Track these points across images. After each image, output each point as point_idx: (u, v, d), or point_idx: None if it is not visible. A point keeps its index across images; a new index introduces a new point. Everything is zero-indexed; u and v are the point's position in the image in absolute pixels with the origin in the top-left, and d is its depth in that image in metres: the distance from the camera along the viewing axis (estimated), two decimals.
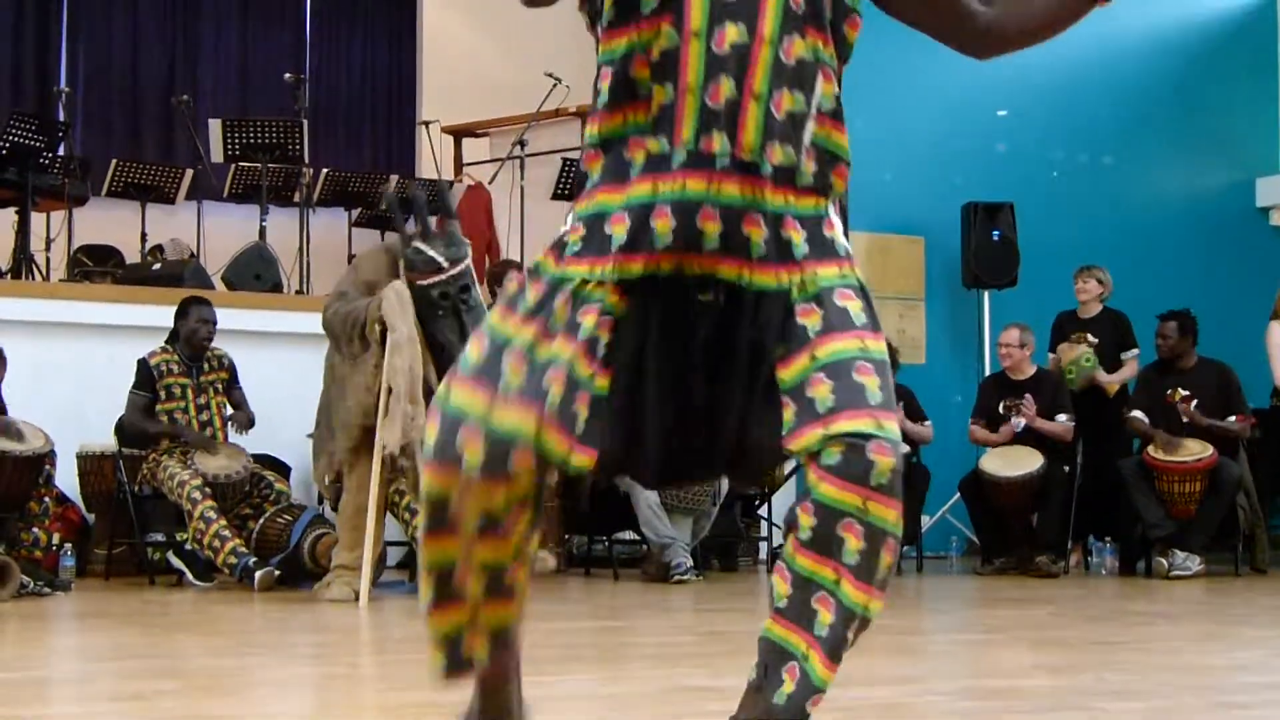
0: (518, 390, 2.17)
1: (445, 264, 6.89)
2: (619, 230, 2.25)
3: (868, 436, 2.15)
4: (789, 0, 2.29)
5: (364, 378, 7.11)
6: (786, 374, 2.24)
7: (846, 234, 2.45)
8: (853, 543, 2.17)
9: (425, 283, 6.87)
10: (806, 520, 2.21)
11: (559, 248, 2.31)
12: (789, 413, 2.22)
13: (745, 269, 2.27)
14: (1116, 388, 10.20)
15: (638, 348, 2.25)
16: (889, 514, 2.16)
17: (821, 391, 2.19)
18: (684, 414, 2.30)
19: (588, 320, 2.22)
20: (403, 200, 7.54)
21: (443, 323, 6.89)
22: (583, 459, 2.21)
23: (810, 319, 2.27)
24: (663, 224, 2.24)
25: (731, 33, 2.27)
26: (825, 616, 2.22)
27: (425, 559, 2.25)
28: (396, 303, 6.92)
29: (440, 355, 6.96)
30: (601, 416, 2.22)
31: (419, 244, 6.94)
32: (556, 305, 2.24)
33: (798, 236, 2.31)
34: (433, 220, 7.16)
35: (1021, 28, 2.51)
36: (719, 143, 2.27)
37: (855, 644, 2.26)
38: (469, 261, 7.11)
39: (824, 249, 2.36)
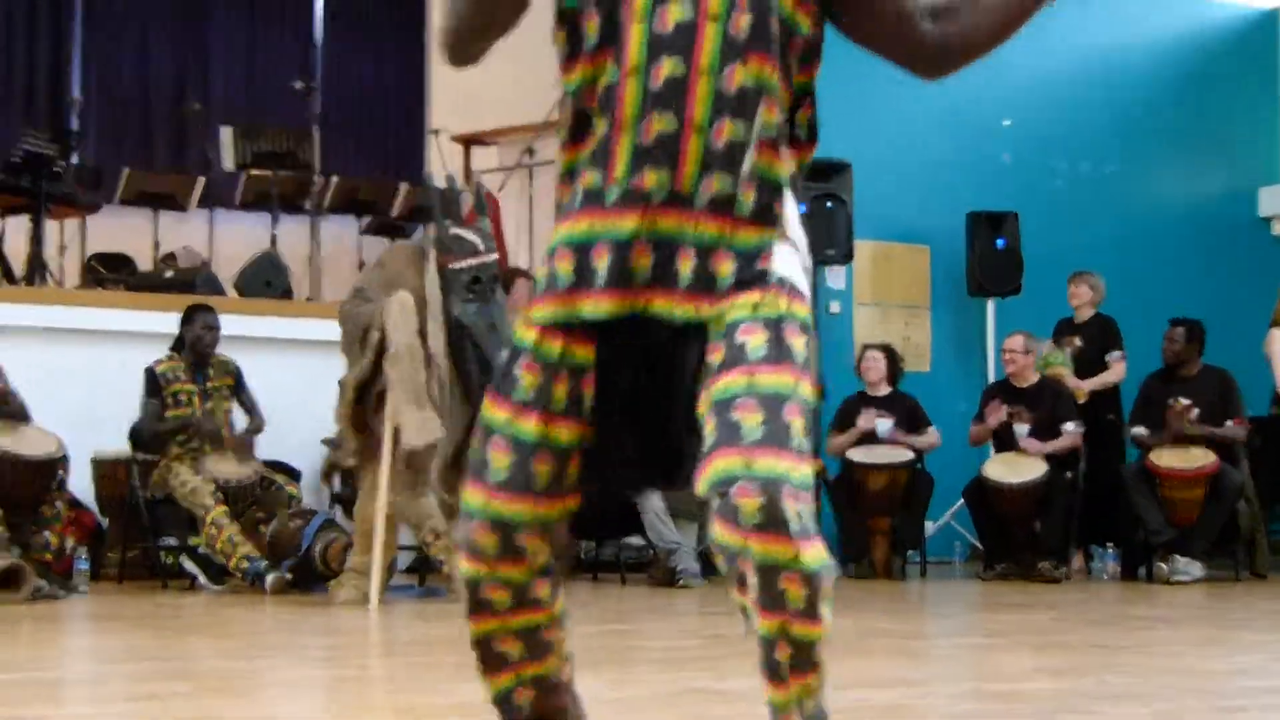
0: (508, 481, 2.25)
1: (482, 247, 6.96)
2: (564, 268, 2.28)
3: (733, 479, 2.10)
4: (729, 28, 2.26)
5: (356, 377, 7.14)
6: (698, 411, 2.23)
7: (808, 258, 2.41)
8: (751, 578, 2.14)
9: (459, 265, 6.93)
10: (719, 559, 2.23)
11: (534, 290, 2.36)
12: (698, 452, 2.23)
13: (674, 302, 2.26)
14: (1085, 395, 10.18)
15: (611, 387, 2.28)
16: (775, 549, 2.09)
17: (708, 430, 2.18)
18: (652, 437, 2.34)
19: (559, 390, 2.26)
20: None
21: (469, 306, 6.93)
22: (576, 503, 2.31)
23: (715, 356, 2.23)
24: (600, 261, 2.24)
25: (668, 66, 2.27)
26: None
27: (471, 634, 2.37)
28: (399, 313, 6.93)
29: (461, 336, 6.95)
30: (591, 461, 2.30)
31: (456, 229, 6.99)
32: (527, 380, 2.28)
33: (726, 269, 2.26)
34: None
35: (967, 41, 2.47)
36: (653, 178, 2.26)
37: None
38: (495, 256, 7.16)
39: (751, 280, 2.27)
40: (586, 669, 4.55)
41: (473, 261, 6.94)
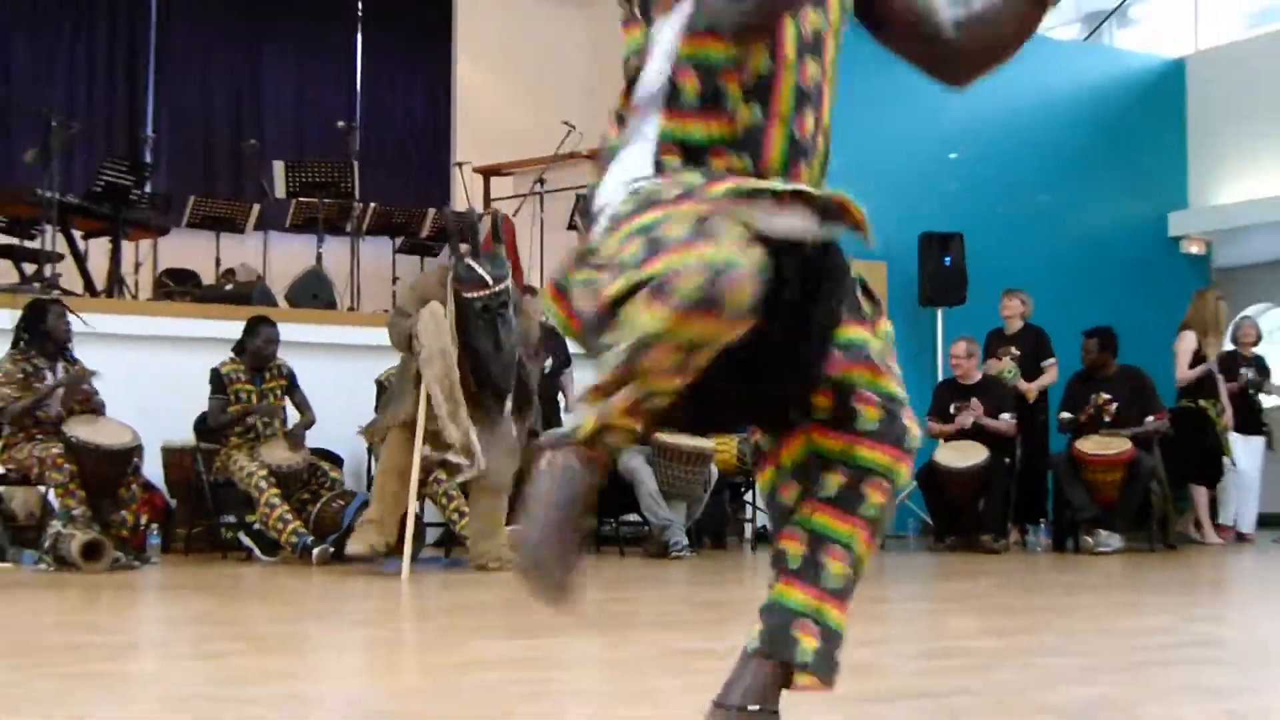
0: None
1: (490, 281, 6.95)
2: None
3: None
4: (839, 39, 2.24)
5: (410, 381, 7.16)
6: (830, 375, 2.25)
7: None
8: (875, 498, 2.21)
9: (471, 295, 6.92)
10: (834, 480, 2.23)
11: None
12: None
13: None
14: (1035, 394, 10.25)
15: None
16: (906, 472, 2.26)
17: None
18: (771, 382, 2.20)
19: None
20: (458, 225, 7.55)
21: (481, 333, 6.92)
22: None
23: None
24: None
25: (812, 69, 2.20)
26: (836, 568, 2.21)
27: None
28: (431, 323, 6.92)
29: (476, 359, 6.98)
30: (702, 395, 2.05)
31: (470, 261, 6.99)
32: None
33: None
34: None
35: (985, 47, 2.37)
36: (806, 174, 2.22)
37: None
38: (509, 281, 7.15)
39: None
40: (589, 632, 4.54)
41: (484, 293, 6.93)
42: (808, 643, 2.19)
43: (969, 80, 2.44)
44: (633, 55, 2.29)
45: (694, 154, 2.16)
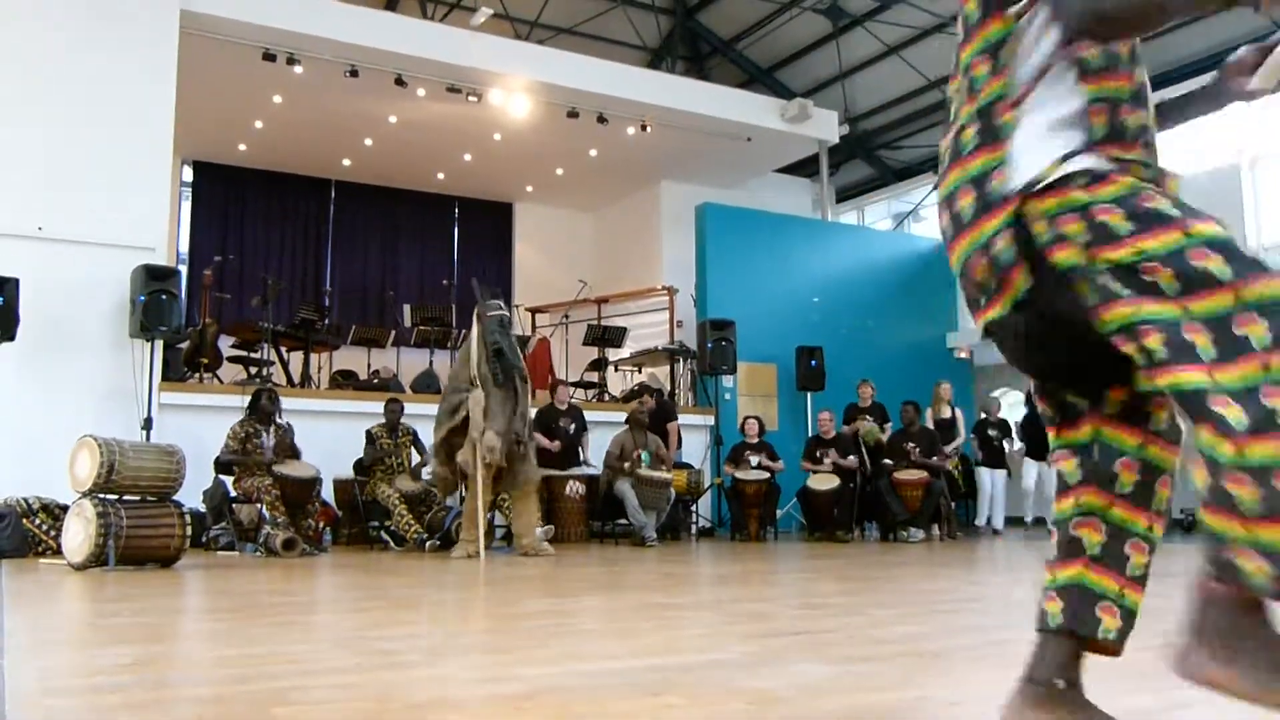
0: None
1: (502, 308, 7.32)
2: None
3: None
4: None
5: (443, 433, 7.14)
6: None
7: None
8: (1163, 493, 1.58)
9: (493, 314, 7.20)
10: (1129, 476, 1.57)
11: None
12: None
13: None
14: (885, 441, 10.26)
15: None
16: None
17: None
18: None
19: None
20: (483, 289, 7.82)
21: (501, 337, 7.10)
22: None
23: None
24: None
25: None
26: (1139, 559, 1.58)
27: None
28: (473, 403, 6.97)
29: (500, 353, 7.09)
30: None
31: (490, 300, 7.29)
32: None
33: None
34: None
35: (1122, 12, 1.37)
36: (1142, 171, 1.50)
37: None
38: (506, 313, 7.42)
39: None
40: (595, 591, 4.49)
41: (499, 313, 7.25)
42: (1110, 622, 1.58)
43: (1111, 38, 1.49)
44: (991, 48, 1.55)
45: (1114, 109, 1.50)
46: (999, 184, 1.48)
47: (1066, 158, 1.44)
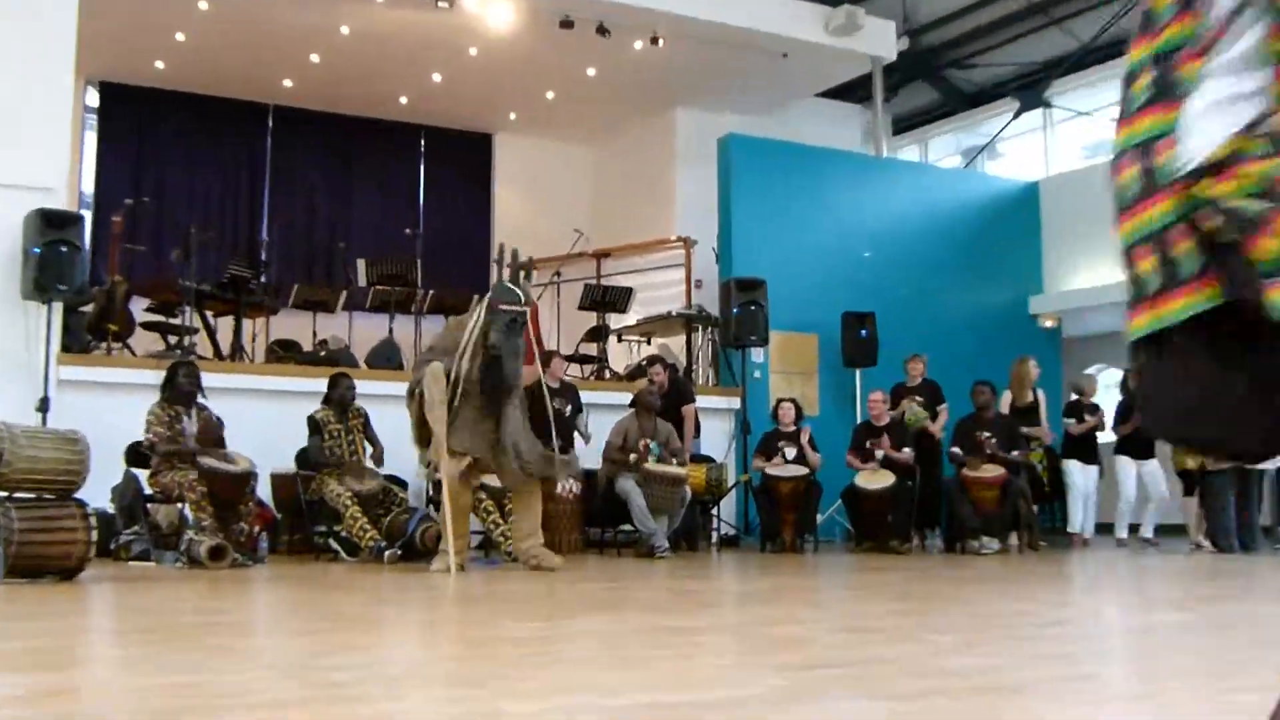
0: None
1: (522, 301, 6.95)
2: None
3: None
4: None
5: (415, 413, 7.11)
6: None
7: None
8: None
9: (505, 308, 6.90)
10: None
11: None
12: None
13: None
14: (940, 432, 10.28)
15: None
16: None
17: None
18: None
19: None
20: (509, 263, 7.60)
21: (502, 338, 6.90)
22: None
23: None
24: None
25: None
26: None
27: None
28: (430, 379, 6.91)
29: (496, 358, 6.89)
30: None
31: (509, 283, 7.01)
32: None
33: None
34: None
35: None
36: None
37: None
38: (529, 310, 7.14)
39: None
40: (591, 612, 4.51)
41: (515, 309, 6.94)
42: None
43: None
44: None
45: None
46: (1166, 160, 1.38)
47: (1249, 127, 1.31)
